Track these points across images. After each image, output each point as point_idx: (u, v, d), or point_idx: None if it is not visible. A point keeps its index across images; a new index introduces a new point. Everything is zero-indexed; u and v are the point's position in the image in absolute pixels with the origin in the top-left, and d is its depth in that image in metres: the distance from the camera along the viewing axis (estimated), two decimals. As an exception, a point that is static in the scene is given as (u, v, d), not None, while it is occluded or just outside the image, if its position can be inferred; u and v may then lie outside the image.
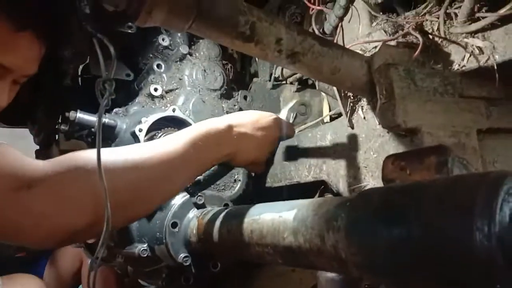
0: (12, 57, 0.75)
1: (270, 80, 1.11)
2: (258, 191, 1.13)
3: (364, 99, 0.88)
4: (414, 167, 0.51)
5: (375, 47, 0.88)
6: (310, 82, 1.17)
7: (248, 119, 0.87)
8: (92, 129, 0.90)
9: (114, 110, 0.96)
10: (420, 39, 0.81)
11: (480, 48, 0.71)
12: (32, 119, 1.44)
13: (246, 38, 0.68)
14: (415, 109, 0.73)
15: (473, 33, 0.72)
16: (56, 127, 1.39)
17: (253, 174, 1.06)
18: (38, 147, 1.60)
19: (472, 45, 0.72)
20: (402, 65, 0.76)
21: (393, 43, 0.86)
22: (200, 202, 0.87)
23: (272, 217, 0.61)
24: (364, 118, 0.87)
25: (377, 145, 0.84)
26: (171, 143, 0.73)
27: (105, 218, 0.59)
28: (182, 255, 0.83)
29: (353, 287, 0.95)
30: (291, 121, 1.08)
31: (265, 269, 1.31)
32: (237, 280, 1.22)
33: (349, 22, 0.95)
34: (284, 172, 1.11)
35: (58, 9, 0.76)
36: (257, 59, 1.17)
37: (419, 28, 0.86)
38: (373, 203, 0.45)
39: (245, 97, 1.06)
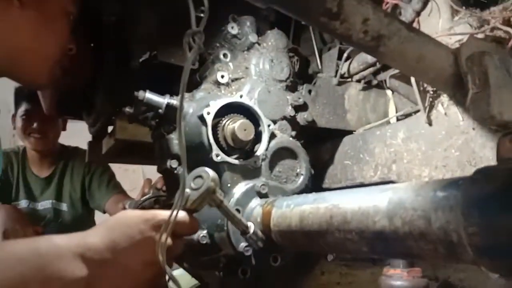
0: None
1: (335, 76, 1.07)
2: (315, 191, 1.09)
3: (444, 95, 0.83)
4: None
5: (458, 40, 0.84)
6: (375, 82, 1.12)
7: (104, 242, 0.65)
8: (160, 111, 0.88)
9: (180, 94, 0.94)
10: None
11: None
12: (89, 108, 1.46)
13: (332, 15, 0.65)
14: (511, 101, 0.67)
15: None
16: (113, 118, 1.40)
17: (312, 171, 1.02)
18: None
19: None
20: (496, 54, 0.70)
21: (480, 36, 0.81)
22: (264, 191, 0.84)
23: (358, 201, 0.56)
24: (445, 114, 0.81)
25: (459, 143, 0.78)
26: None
27: None
28: (243, 244, 0.79)
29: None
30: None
31: (309, 279, 1.26)
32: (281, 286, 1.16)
33: (428, 15, 0.91)
34: (345, 172, 1.06)
35: None
36: (322, 54, 1.14)
37: (507, 23, 0.81)
38: (498, 180, 0.40)
39: (309, 91, 1.03)
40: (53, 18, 1.01)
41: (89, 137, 1.62)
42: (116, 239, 0.65)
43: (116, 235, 0.66)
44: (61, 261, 0.61)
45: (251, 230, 0.75)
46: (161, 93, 0.92)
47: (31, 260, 0.59)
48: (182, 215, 0.68)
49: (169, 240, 0.64)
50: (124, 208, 1.08)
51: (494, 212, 0.39)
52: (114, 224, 0.68)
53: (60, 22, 1.02)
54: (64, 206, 2.09)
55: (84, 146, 1.76)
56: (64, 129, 2.14)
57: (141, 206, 1.25)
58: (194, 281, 1.56)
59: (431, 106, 0.84)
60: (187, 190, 0.67)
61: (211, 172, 0.67)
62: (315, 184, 1.06)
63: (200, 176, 0.67)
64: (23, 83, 1.09)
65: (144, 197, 1.34)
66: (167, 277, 0.69)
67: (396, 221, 0.49)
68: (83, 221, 2.11)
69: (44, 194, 2.07)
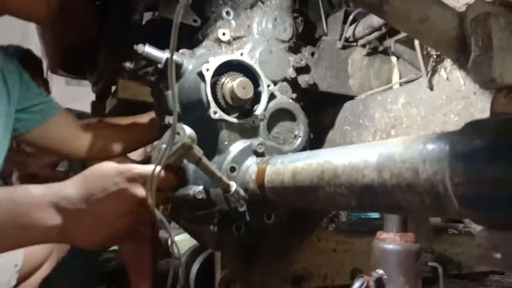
0: None
1: (340, 40, 1.05)
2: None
3: (448, 60, 0.82)
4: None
5: (466, 3, 0.81)
6: (381, 48, 1.10)
7: (79, 193, 0.67)
8: (159, 65, 0.88)
9: (181, 51, 0.93)
10: (521, -4, 0.73)
11: None
12: (91, 66, 1.46)
13: (336, -31, 0.63)
14: (514, 65, 0.66)
15: None
16: (116, 76, 1.40)
17: (311, 134, 1.02)
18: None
19: None
20: (503, 17, 0.68)
21: (488, 0, 0.79)
22: (260, 150, 0.84)
23: (350, 156, 0.56)
24: (447, 78, 0.80)
25: (459, 108, 0.77)
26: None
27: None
28: (238, 200, 0.80)
29: (412, 258, 0.89)
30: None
31: (306, 245, 1.28)
32: (277, 250, 1.18)
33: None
34: (344, 137, 1.05)
35: None
36: (326, 17, 1.11)
37: (518, -14, 0.78)
38: (485, 132, 0.40)
39: (312, 54, 1.02)
40: None
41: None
42: (91, 190, 0.67)
43: (91, 186, 0.67)
44: (36, 210, 0.64)
45: (233, 189, 0.76)
46: (164, 49, 0.91)
47: (7, 208, 0.61)
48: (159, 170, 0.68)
49: (144, 193, 0.66)
50: None
51: (479, 163, 0.38)
52: (89, 176, 0.69)
53: None
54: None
55: (87, 110, 1.77)
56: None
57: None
58: (194, 242, 1.59)
59: (434, 71, 0.83)
60: (164, 146, 0.68)
61: (187, 129, 0.67)
62: (314, 148, 1.06)
63: (178, 133, 0.68)
64: (22, 16, 1.06)
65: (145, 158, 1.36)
66: (169, 242, 0.71)
67: (384, 173, 0.49)
68: None
69: None
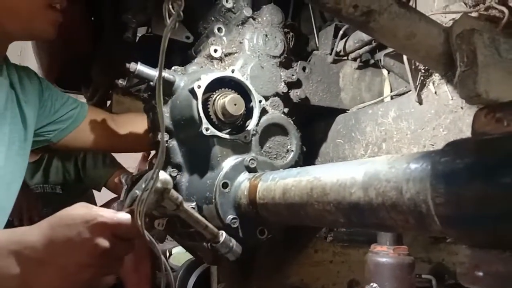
0: None
1: (331, 54, 1.06)
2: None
3: (436, 74, 0.83)
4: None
5: (453, 19, 0.83)
6: (372, 61, 1.12)
7: (42, 242, 0.65)
8: (151, 83, 0.89)
9: (173, 68, 0.95)
10: (506, 11, 0.75)
11: None
12: (86, 81, 1.47)
13: (322, -12, 0.64)
14: (498, 80, 0.67)
15: None
16: (110, 91, 1.41)
17: (304, 148, 1.02)
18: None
19: None
20: (487, 33, 0.70)
21: (474, 15, 0.80)
22: (253, 166, 0.85)
23: (338, 174, 0.57)
24: (435, 93, 0.81)
25: (448, 122, 0.78)
26: None
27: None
28: (231, 216, 0.81)
29: (406, 271, 0.90)
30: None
31: (302, 257, 1.28)
32: (272, 263, 1.18)
33: (424, -7, 0.90)
34: (337, 151, 1.06)
35: None
36: (319, 31, 1.13)
37: (502, 2, 0.80)
38: (467, 152, 0.40)
39: (303, 69, 1.03)
40: None
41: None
42: (54, 239, 0.65)
43: (55, 235, 0.66)
44: None
45: (222, 238, 0.72)
46: (157, 66, 0.92)
47: None
48: (125, 217, 0.67)
49: (108, 244, 0.65)
50: (120, 182, 1.10)
51: (459, 183, 0.39)
52: (55, 223, 0.67)
53: None
54: (58, 189, 2.06)
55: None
56: None
57: (136, 179, 1.26)
58: (189, 256, 1.59)
59: (422, 85, 0.84)
60: (137, 191, 0.66)
61: (162, 174, 0.64)
62: (307, 162, 1.07)
63: (152, 178, 0.64)
64: (24, 38, 1.09)
65: (140, 172, 1.36)
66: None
67: (370, 192, 0.50)
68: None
69: (34, 179, 2.03)
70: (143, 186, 0.65)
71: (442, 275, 1.61)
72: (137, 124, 1.22)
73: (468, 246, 0.42)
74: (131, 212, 0.68)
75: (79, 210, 0.68)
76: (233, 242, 0.73)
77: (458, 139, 0.43)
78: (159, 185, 0.64)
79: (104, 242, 0.65)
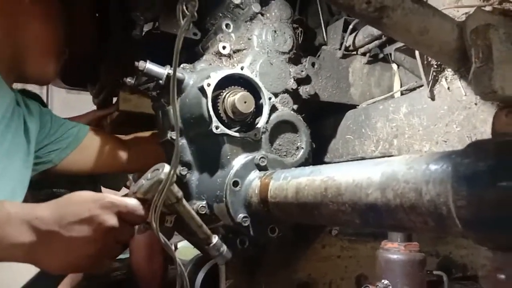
0: None
1: (340, 49, 1.05)
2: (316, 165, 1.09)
3: (449, 70, 0.82)
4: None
5: (466, 13, 0.81)
6: (381, 55, 1.11)
7: (52, 215, 0.68)
8: (160, 81, 0.88)
9: (182, 66, 0.94)
10: (520, 5, 0.73)
11: None
12: (93, 79, 1.46)
13: (334, -15, 0.63)
14: (515, 77, 0.65)
15: None
16: (117, 89, 1.40)
17: (313, 145, 1.02)
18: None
19: None
20: (503, 28, 0.68)
21: (487, 9, 0.79)
22: (263, 164, 0.84)
23: (353, 174, 0.56)
24: (448, 88, 0.80)
25: (461, 118, 0.77)
26: None
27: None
28: (241, 215, 0.81)
29: (417, 268, 0.89)
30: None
31: (309, 252, 1.27)
32: (280, 259, 1.18)
33: (436, -13, 0.88)
34: (346, 147, 1.05)
35: None
36: (326, 25, 1.11)
37: (517, -5, 0.78)
38: (488, 154, 0.40)
39: (313, 64, 1.02)
40: (56, 15, 1.10)
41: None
42: (64, 214, 0.68)
43: (65, 210, 0.68)
44: (7, 225, 0.65)
45: (214, 241, 0.73)
46: (166, 64, 0.91)
47: None
48: (131, 201, 0.70)
49: (115, 222, 0.68)
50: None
51: (482, 185, 0.38)
52: (64, 201, 0.70)
53: (61, 19, 1.11)
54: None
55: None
56: None
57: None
58: (197, 252, 1.59)
59: (435, 81, 0.83)
60: (142, 180, 0.69)
61: (167, 167, 0.67)
62: (316, 158, 1.06)
63: (157, 169, 0.68)
64: (32, 81, 1.15)
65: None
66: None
67: (388, 193, 0.49)
68: None
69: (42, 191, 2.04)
70: (149, 176, 0.69)
71: (450, 268, 1.61)
72: (139, 144, 1.24)
73: (490, 249, 0.41)
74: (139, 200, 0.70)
75: (88, 192, 0.71)
76: (224, 248, 0.74)
77: (479, 140, 0.43)
78: (162, 176, 0.66)
79: (111, 219, 0.68)
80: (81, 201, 0.69)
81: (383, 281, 0.91)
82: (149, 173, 0.70)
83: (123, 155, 1.22)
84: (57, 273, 0.72)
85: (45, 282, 0.73)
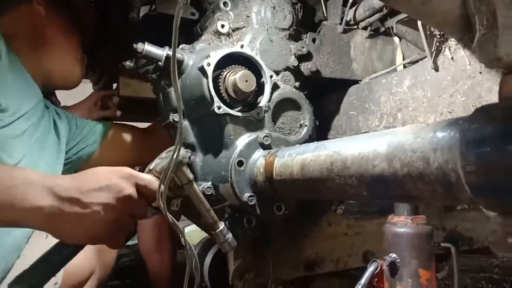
0: None
1: (341, 24, 1.03)
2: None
3: (452, 39, 0.80)
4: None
5: (468, -20, 0.79)
6: (382, 29, 1.09)
7: (72, 183, 0.70)
8: (159, 63, 0.87)
9: (181, 46, 0.92)
10: (525, -32, 0.71)
11: None
12: (92, 65, 1.45)
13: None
14: (521, 42, 0.64)
15: None
16: (117, 75, 1.39)
17: (316, 122, 1.01)
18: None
19: None
20: (508, -8, 0.67)
21: (491, -26, 0.77)
22: (267, 143, 0.84)
23: (359, 147, 0.56)
24: (452, 58, 0.79)
25: (466, 88, 0.76)
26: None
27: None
28: (247, 194, 0.81)
29: (424, 241, 0.89)
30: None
31: (316, 231, 1.28)
32: (287, 238, 1.19)
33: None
34: (350, 123, 1.05)
35: None
36: (327, 1, 1.09)
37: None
38: (496, 118, 0.39)
39: (313, 40, 1.00)
40: (71, 22, 1.12)
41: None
42: (84, 182, 0.71)
43: (85, 179, 0.72)
44: (28, 187, 0.66)
45: (220, 227, 0.74)
46: (162, 45, 0.90)
47: (1, 178, 0.64)
48: (147, 176, 0.74)
49: (135, 193, 0.71)
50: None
51: (491, 150, 0.38)
52: (84, 172, 0.74)
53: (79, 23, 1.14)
54: None
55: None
56: None
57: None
58: (204, 234, 1.60)
59: (438, 51, 0.81)
60: (157, 159, 0.72)
61: (181, 151, 0.68)
62: (320, 135, 1.05)
63: (171, 150, 0.70)
64: (59, 86, 1.20)
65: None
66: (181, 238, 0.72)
67: (395, 163, 0.49)
68: None
69: None
70: (164, 155, 0.72)
71: (456, 241, 1.61)
72: (161, 133, 1.25)
73: (499, 214, 0.41)
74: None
75: (106, 167, 0.75)
76: (229, 235, 0.76)
77: (486, 105, 0.42)
78: (180, 157, 0.68)
79: (129, 188, 0.71)
80: (101, 172, 0.73)
81: (390, 255, 0.91)
82: (164, 153, 0.72)
83: (149, 144, 1.26)
84: (72, 241, 0.73)
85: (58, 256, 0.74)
